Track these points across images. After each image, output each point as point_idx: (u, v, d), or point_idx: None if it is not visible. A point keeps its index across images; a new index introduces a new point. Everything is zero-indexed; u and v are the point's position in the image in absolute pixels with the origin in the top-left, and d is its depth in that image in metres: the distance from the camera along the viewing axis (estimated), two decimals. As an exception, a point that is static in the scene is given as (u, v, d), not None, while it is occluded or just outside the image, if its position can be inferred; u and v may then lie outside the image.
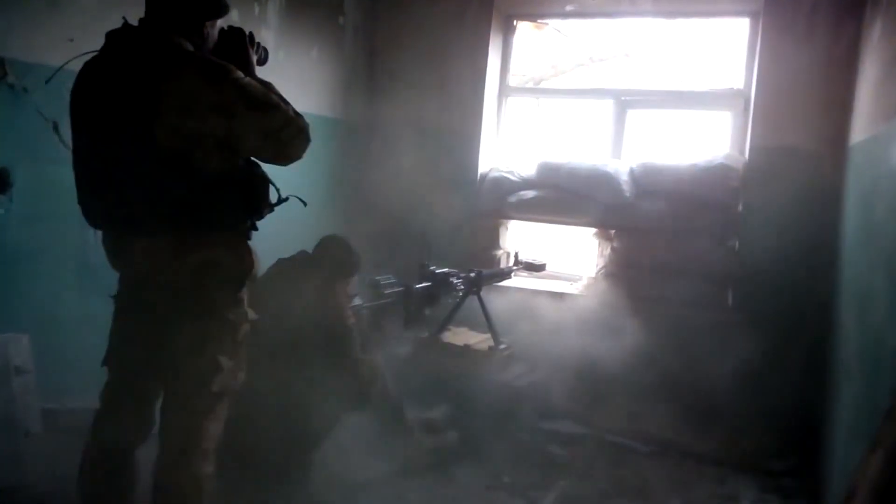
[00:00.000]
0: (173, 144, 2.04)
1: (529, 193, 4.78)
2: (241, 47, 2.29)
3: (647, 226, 4.41)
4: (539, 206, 4.74)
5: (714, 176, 4.33)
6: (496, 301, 4.36)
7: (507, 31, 5.15)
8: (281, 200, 2.28)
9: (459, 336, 4.32)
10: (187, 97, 2.03)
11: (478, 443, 3.69)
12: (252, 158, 2.22)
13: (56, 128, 3.08)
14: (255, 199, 2.22)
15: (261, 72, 2.34)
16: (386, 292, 3.37)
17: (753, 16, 4.49)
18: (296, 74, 4.44)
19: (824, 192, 3.96)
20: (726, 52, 4.73)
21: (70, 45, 2.86)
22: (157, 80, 2.04)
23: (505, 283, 4.54)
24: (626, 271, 4.53)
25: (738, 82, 4.58)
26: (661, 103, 4.88)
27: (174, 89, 2.03)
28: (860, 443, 2.29)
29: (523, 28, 5.20)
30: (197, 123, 2.04)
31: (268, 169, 2.25)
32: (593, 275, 4.74)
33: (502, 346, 4.19)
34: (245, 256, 2.24)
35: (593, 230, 4.74)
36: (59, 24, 3.11)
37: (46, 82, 2.26)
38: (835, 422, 3.28)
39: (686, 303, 4.24)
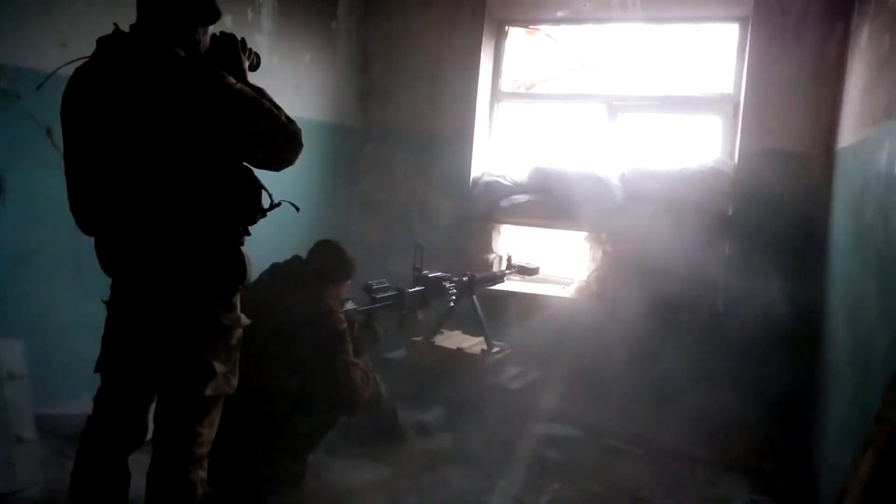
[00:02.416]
0: (165, 150, 2.05)
1: (521, 198, 4.80)
2: (233, 53, 2.30)
3: (638, 230, 4.43)
4: (531, 211, 4.76)
5: (704, 180, 4.36)
6: (489, 304, 4.38)
7: (500, 36, 5.17)
8: (273, 206, 2.28)
9: (452, 339, 4.33)
10: (179, 103, 2.03)
11: (471, 446, 3.69)
12: (245, 164, 2.22)
13: (49, 133, 3.08)
14: (248, 205, 2.22)
15: (254, 77, 2.35)
16: (379, 296, 3.38)
17: (742, 21, 4.53)
18: (289, 79, 4.45)
19: (814, 195, 3.99)
20: (716, 56, 4.76)
21: (63, 51, 2.88)
22: (148, 87, 2.04)
23: (498, 286, 4.56)
24: (617, 275, 4.55)
25: (727, 87, 4.61)
26: (652, 108, 4.90)
27: (166, 96, 2.03)
28: (851, 444, 2.31)
29: (515, 33, 5.22)
30: (189, 130, 2.04)
31: (261, 174, 2.26)
32: (585, 278, 4.76)
33: (495, 350, 4.20)
34: (238, 261, 2.24)
35: (585, 234, 4.76)
36: (51, 29, 3.11)
37: (37, 88, 2.26)
38: (826, 423, 3.30)
39: (677, 306, 4.25)
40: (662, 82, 4.88)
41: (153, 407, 2.31)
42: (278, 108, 2.18)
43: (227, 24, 3.63)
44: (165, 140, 2.04)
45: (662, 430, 4.02)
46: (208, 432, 2.25)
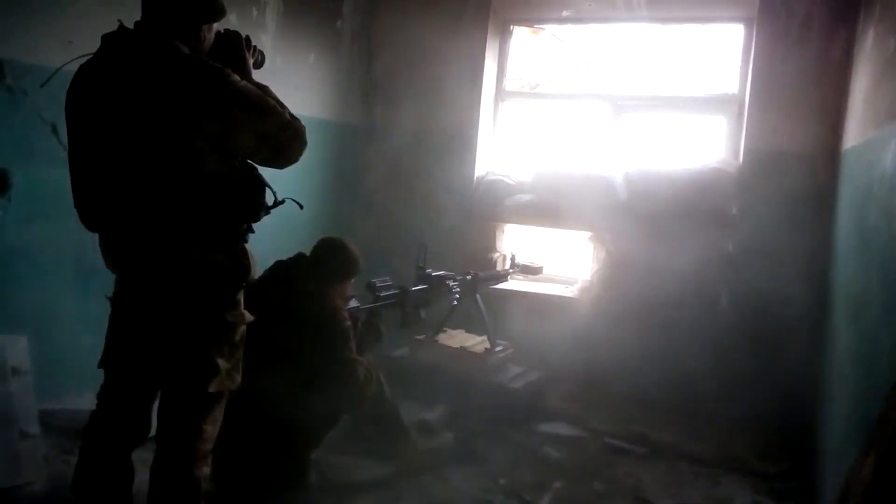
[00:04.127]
0: (170, 147, 2.05)
1: (525, 197, 4.80)
2: (237, 51, 2.30)
3: (642, 230, 4.43)
4: (535, 210, 4.75)
5: (708, 180, 4.36)
6: (492, 303, 4.38)
7: (504, 35, 5.17)
8: (277, 203, 2.28)
9: (456, 338, 4.34)
10: (184, 100, 2.04)
11: (473, 445, 3.70)
12: (249, 161, 2.23)
13: (54, 129, 3.09)
14: (252, 202, 2.23)
15: (258, 75, 2.35)
16: (382, 294, 3.38)
17: (747, 22, 4.52)
18: (293, 78, 4.45)
19: (818, 196, 3.99)
20: (721, 57, 4.76)
21: (69, 47, 2.87)
22: (153, 84, 2.05)
23: (501, 285, 4.56)
24: (620, 274, 4.55)
25: (732, 87, 4.61)
26: (657, 108, 4.91)
27: (170, 92, 2.04)
28: (853, 445, 2.30)
29: (520, 33, 5.22)
30: (193, 127, 2.05)
31: (266, 172, 2.26)
32: (589, 278, 4.76)
33: (498, 349, 4.21)
34: (242, 258, 2.24)
35: (588, 234, 4.75)
36: (58, 25, 3.12)
37: (42, 85, 2.26)
38: (828, 424, 3.30)
39: (680, 305, 4.25)
40: (667, 82, 4.87)
41: (157, 403, 2.32)
42: (282, 105, 2.19)
43: (231, 22, 3.63)
44: (169, 137, 2.04)
45: (665, 429, 4.02)
46: (212, 429, 2.26)
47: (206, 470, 2.26)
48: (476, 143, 5.00)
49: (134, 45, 2.10)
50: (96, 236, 2.26)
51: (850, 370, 2.92)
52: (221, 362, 2.22)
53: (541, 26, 5.21)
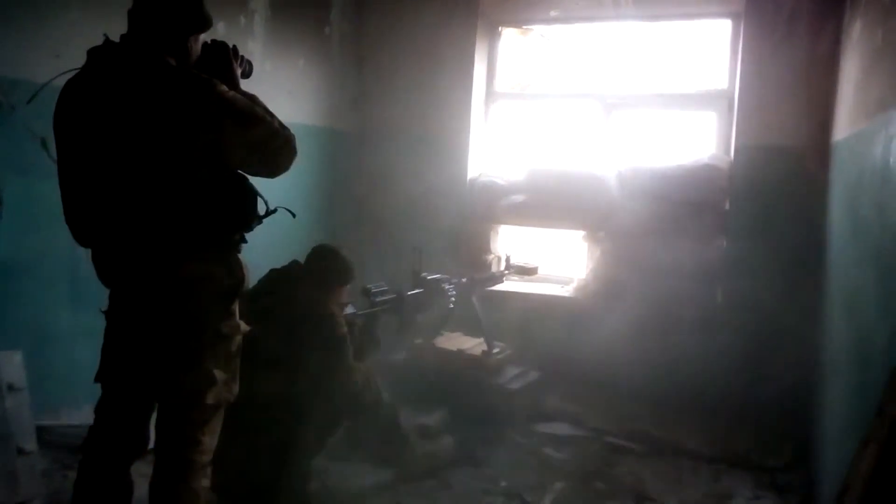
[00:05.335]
0: (160, 160, 2.05)
1: (519, 198, 4.80)
2: (224, 61, 2.29)
3: (636, 227, 4.43)
4: (529, 211, 4.76)
5: (700, 176, 4.37)
6: (489, 305, 4.38)
7: (493, 37, 5.18)
8: (269, 212, 2.28)
9: (453, 341, 4.33)
10: (173, 113, 2.03)
11: (473, 447, 3.70)
12: (240, 171, 2.22)
13: (44, 144, 3.07)
14: (244, 212, 2.22)
15: (248, 83, 2.35)
16: (378, 300, 3.37)
17: (735, 17, 4.53)
18: (283, 85, 4.45)
19: (809, 189, 3.99)
20: (709, 53, 4.77)
21: (57, 61, 2.87)
22: (140, 97, 2.04)
23: (497, 287, 4.56)
24: (615, 273, 4.55)
25: (721, 83, 4.62)
26: (647, 105, 4.91)
27: (158, 105, 2.03)
28: (853, 438, 2.30)
29: (509, 34, 5.22)
30: (183, 139, 2.04)
31: (257, 180, 2.26)
32: (584, 277, 4.76)
33: (495, 350, 4.20)
34: (235, 269, 2.24)
35: (583, 233, 4.76)
36: (45, 40, 3.11)
37: (28, 101, 2.24)
38: (827, 417, 3.30)
39: (676, 302, 4.26)
40: (657, 79, 4.88)
41: (155, 416, 2.31)
42: (271, 114, 2.19)
43: (219, 30, 3.63)
44: (159, 149, 2.04)
45: (665, 426, 4.02)
46: (210, 440, 2.25)
47: (206, 482, 2.25)
48: (468, 145, 5.00)
49: (120, 58, 2.10)
50: (90, 250, 2.25)
51: (847, 363, 2.92)
52: (218, 373, 2.21)
53: (529, 27, 5.22)
